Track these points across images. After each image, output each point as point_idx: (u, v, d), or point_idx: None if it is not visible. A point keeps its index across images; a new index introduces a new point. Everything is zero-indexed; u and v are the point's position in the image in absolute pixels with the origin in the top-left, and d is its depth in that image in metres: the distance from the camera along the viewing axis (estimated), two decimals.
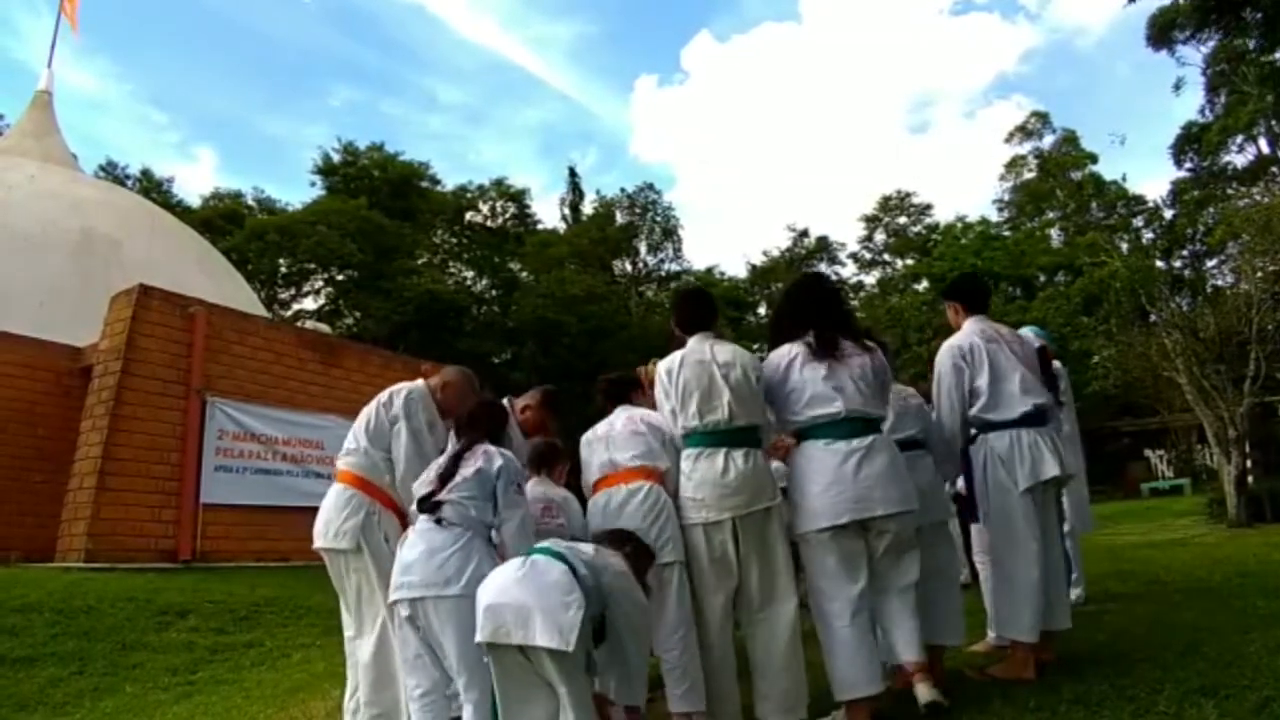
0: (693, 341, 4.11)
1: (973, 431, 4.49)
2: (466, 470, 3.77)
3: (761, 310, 52.40)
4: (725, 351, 4.02)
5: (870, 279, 52.08)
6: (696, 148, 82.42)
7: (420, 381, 4.68)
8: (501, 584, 3.21)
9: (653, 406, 4.41)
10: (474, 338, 37.19)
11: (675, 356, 4.09)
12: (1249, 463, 12.51)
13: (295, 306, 39.08)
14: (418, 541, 3.67)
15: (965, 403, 4.40)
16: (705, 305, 4.35)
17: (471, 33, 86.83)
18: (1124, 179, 42.59)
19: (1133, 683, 3.76)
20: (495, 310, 41.46)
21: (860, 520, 3.76)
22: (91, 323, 11.80)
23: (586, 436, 4.35)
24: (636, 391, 4.55)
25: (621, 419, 4.26)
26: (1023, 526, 4.18)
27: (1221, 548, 9.96)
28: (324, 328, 14.06)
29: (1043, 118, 49.08)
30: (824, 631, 3.80)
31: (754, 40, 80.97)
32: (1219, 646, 4.31)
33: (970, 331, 4.49)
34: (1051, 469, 4.21)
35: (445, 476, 3.77)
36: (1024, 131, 49.34)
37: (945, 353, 4.51)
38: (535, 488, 4.40)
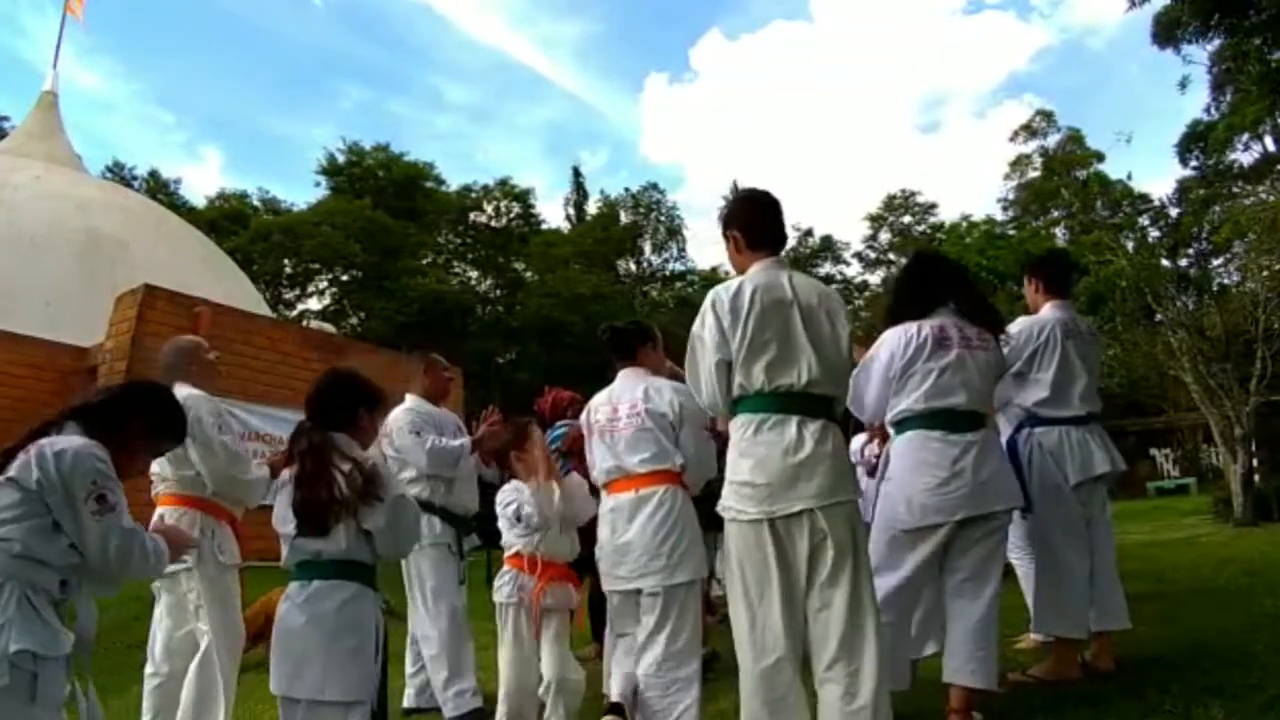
0: (760, 268, 3.14)
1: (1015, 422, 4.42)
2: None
3: None
4: (809, 289, 3.10)
5: (874, 278, 52.03)
6: (705, 147, 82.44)
7: None
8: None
9: (665, 365, 4.16)
10: (478, 338, 37.14)
11: (737, 284, 3.08)
12: (1255, 461, 12.46)
13: (300, 307, 39.11)
14: None
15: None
16: (778, 215, 3.34)
17: (478, 32, 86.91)
18: (1129, 177, 42.34)
19: (1140, 682, 3.75)
20: (499, 310, 41.40)
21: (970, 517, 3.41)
22: (97, 323, 11.84)
23: (588, 416, 3.93)
24: (645, 346, 4.03)
25: (625, 404, 3.75)
26: (1072, 522, 4.14)
27: (1228, 546, 9.94)
28: (329, 328, 14.09)
29: (1048, 116, 48.84)
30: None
31: (764, 39, 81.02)
32: (1226, 646, 4.30)
33: (1052, 318, 4.37)
34: (1102, 464, 4.19)
35: None
36: (1029, 130, 49.17)
37: (1023, 325, 4.39)
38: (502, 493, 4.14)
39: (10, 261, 13.47)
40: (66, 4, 19.47)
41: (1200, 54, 30.62)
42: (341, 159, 41.07)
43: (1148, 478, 26.47)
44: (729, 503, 3.01)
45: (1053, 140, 47.94)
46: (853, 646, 2.84)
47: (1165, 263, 18.33)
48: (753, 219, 3.27)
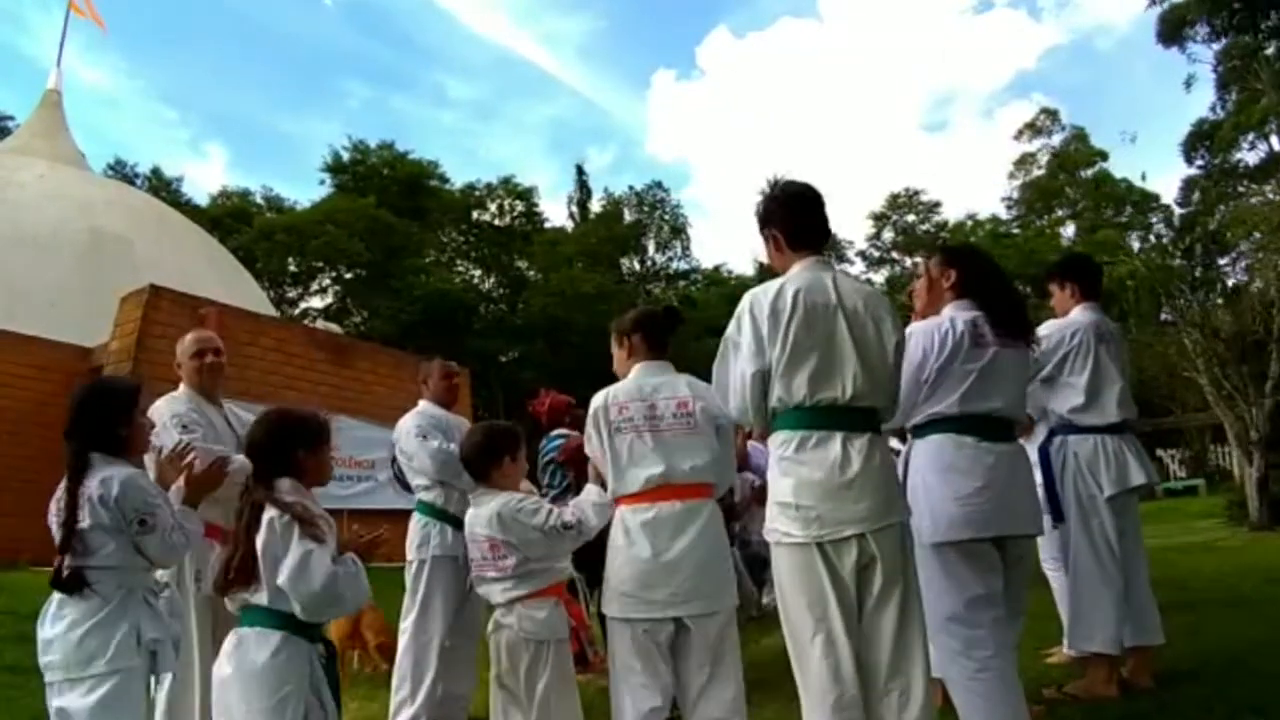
0: (802, 268, 2.92)
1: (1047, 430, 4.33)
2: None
3: None
4: (854, 291, 2.89)
5: (879, 277, 51.99)
6: (712, 145, 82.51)
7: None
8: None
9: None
10: (482, 336, 37.09)
11: (778, 285, 2.87)
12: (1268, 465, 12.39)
13: (303, 305, 39.10)
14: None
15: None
16: (821, 210, 3.12)
17: (483, 28, 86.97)
18: (1143, 178, 42.49)
19: (1178, 699, 3.68)
20: (503, 308, 41.37)
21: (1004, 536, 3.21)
22: (102, 322, 11.76)
23: (607, 412, 3.35)
24: (674, 336, 3.65)
25: (668, 401, 3.29)
26: (1107, 536, 4.04)
27: (1247, 551, 9.91)
28: (335, 328, 14.01)
29: (1052, 115, 49.03)
30: (963, 673, 3.05)
31: (771, 37, 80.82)
32: (1259, 660, 4.23)
33: (1083, 321, 4.27)
34: (1138, 476, 4.11)
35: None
36: (1033, 129, 49.31)
37: (1053, 327, 4.28)
38: (481, 507, 3.50)
39: (15, 261, 13.39)
40: (71, 3, 19.37)
41: (1206, 53, 30.64)
42: (346, 157, 41.01)
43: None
44: (774, 525, 2.82)
45: (1057, 139, 48.10)
46: (900, 669, 2.70)
47: (1176, 262, 18.25)
48: (794, 216, 3.05)
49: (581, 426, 6.11)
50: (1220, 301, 14.73)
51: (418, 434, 4.92)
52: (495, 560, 3.40)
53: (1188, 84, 34.69)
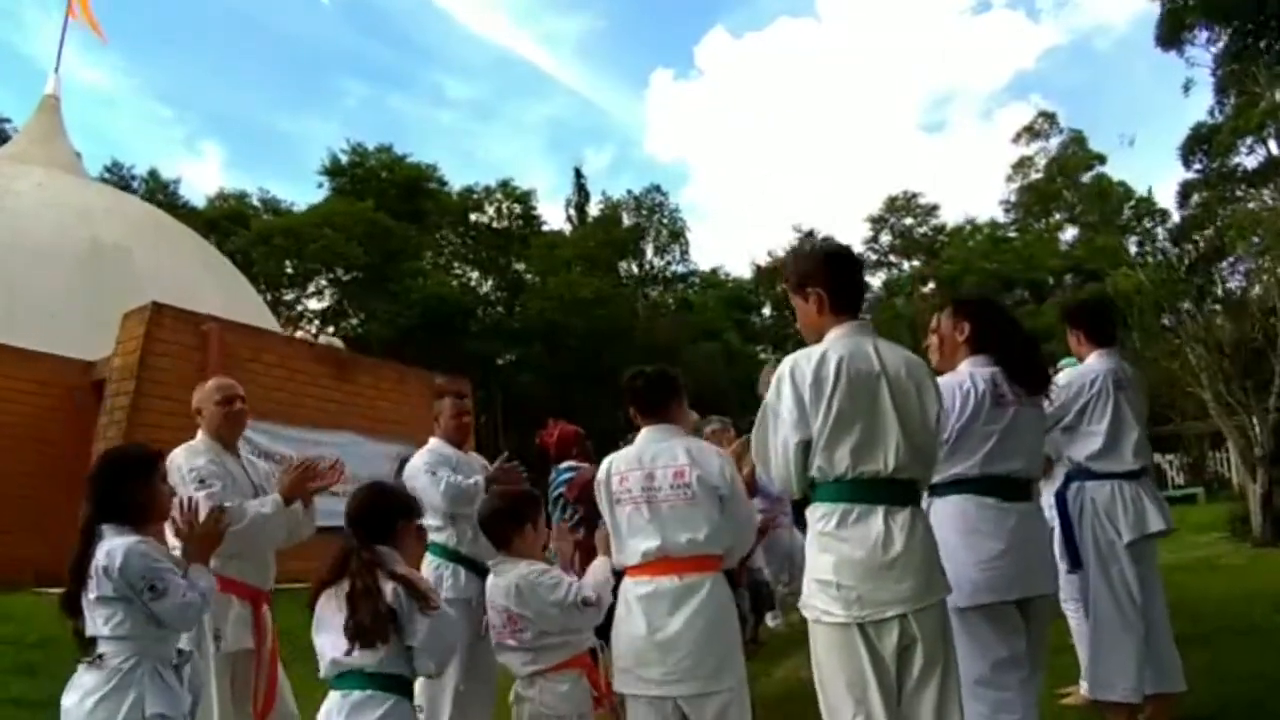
0: (843, 333, 2.82)
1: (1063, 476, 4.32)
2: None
3: (766, 311, 52.50)
4: (898, 359, 2.80)
5: (876, 280, 52.07)
6: (710, 145, 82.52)
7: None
8: None
9: (691, 421, 3.92)
10: (480, 340, 37.06)
11: (820, 352, 2.77)
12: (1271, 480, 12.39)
13: (300, 307, 39.08)
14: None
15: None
16: (861, 272, 3.14)
17: (481, 28, 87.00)
18: (1150, 192, 42.55)
19: None
20: (501, 311, 41.36)
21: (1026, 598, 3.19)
22: (102, 334, 11.68)
23: (609, 482, 3.33)
24: (675, 400, 3.54)
25: (665, 470, 3.20)
26: (1127, 583, 4.00)
27: (1252, 571, 9.89)
28: (337, 342, 13.97)
29: (1050, 118, 49.04)
30: None
31: (769, 36, 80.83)
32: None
33: (1101, 369, 4.25)
34: (1156, 523, 4.08)
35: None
36: (1031, 132, 49.34)
37: (1071, 376, 4.28)
38: (501, 576, 3.45)
39: (14, 271, 13.30)
40: (70, 9, 19.30)
41: (1204, 56, 30.72)
42: (344, 160, 41.03)
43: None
44: (813, 602, 2.73)
45: (1055, 142, 48.12)
46: None
47: (1180, 273, 18.29)
48: (840, 279, 2.94)
49: (590, 458, 6.10)
50: (1219, 308, 14.72)
51: (426, 470, 4.94)
52: (514, 632, 3.37)
53: (1186, 88, 34.80)
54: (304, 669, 6.10)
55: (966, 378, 3.31)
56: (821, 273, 2.94)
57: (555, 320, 35.98)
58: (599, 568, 3.46)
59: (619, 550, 3.28)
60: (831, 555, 2.68)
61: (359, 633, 2.83)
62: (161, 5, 74.54)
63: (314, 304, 39.85)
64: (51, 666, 6.79)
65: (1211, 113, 35.99)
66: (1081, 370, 4.33)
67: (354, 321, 38.40)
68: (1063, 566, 4.14)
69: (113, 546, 2.92)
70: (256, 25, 78.27)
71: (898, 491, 2.72)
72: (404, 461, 13.25)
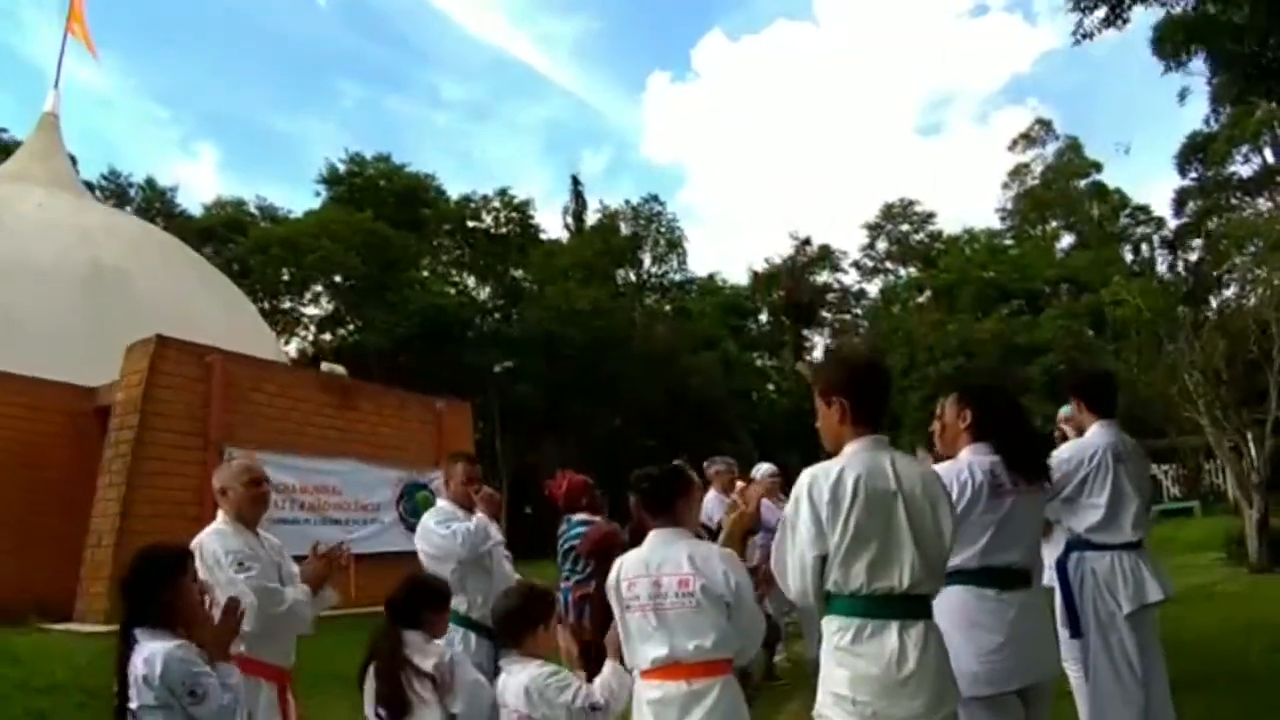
0: (861, 447, 2.87)
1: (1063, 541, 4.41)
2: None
3: (763, 317, 52.60)
4: (913, 476, 2.84)
5: (872, 288, 52.25)
6: (707, 148, 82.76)
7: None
8: None
9: (700, 514, 3.93)
10: (477, 349, 37.06)
11: (838, 469, 2.81)
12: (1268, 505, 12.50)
13: (296, 313, 39.13)
14: None
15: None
16: (888, 388, 3.13)
17: (477, 29, 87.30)
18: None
19: None
20: (498, 320, 41.39)
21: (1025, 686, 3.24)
22: (104, 358, 11.72)
23: (619, 588, 3.31)
24: (683, 499, 3.45)
25: (671, 578, 3.20)
26: (1127, 653, 4.08)
27: (1250, 601, 10.00)
28: (339, 369, 13.96)
29: (1047, 125, 49.28)
30: None
31: (767, 39, 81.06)
32: None
33: (1100, 443, 4.33)
34: (1155, 593, 4.16)
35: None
36: (1028, 139, 49.54)
37: (1071, 451, 4.36)
38: (512, 677, 3.51)
39: (16, 295, 13.31)
40: (68, 25, 19.34)
41: (1200, 65, 30.73)
42: (343, 169, 41.01)
43: (1150, 500, 26.36)
44: (828, 714, 2.76)
45: (1051, 149, 48.29)
46: None
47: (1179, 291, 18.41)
48: (865, 391, 2.97)
49: (599, 508, 6.15)
50: (1214, 319, 14.79)
51: (439, 525, 5.02)
52: None
53: (1181, 96, 34.97)
54: (323, 697, 6.18)
55: (965, 468, 3.35)
56: (847, 384, 2.97)
57: (553, 330, 35.98)
58: (609, 672, 3.49)
59: (630, 654, 3.26)
60: (847, 670, 2.70)
61: (388, 706, 3.40)
62: (156, 5, 74.47)
63: (311, 311, 39.93)
64: (61, 714, 6.85)
65: (1207, 121, 36.07)
66: (1082, 444, 4.40)
67: (351, 328, 38.43)
68: (1064, 633, 4.24)
69: (151, 653, 2.93)
70: (253, 26, 78.46)
71: (912, 606, 2.76)
72: (406, 487, 13.33)
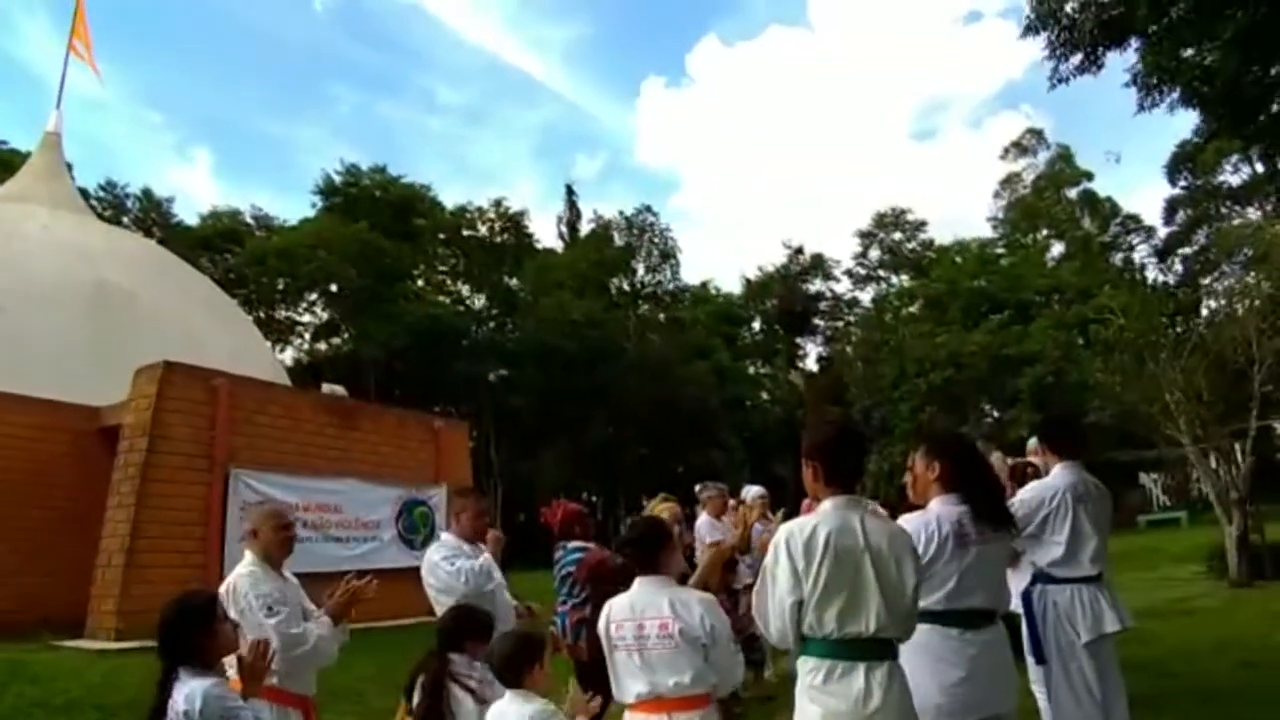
0: (835, 505, 3.19)
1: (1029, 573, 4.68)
2: None
3: (756, 325, 52.91)
4: (880, 533, 3.15)
5: (865, 296, 52.58)
6: (701, 153, 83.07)
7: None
8: None
9: (682, 561, 4.13)
10: (472, 358, 37.36)
11: (811, 524, 3.14)
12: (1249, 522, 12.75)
13: (292, 321, 39.40)
14: None
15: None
16: (861, 455, 3.49)
17: (471, 34, 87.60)
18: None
19: None
20: (493, 329, 41.68)
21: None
22: (109, 378, 11.98)
23: (608, 629, 3.59)
24: (665, 551, 3.74)
25: (653, 622, 3.48)
26: (1086, 681, 4.38)
27: (1225, 617, 10.25)
28: (340, 390, 14.20)
29: (1038, 134, 49.66)
30: None
31: (762, 45, 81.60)
32: None
33: (1062, 484, 4.61)
34: (1112, 624, 4.43)
35: None
36: (1019, 148, 49.91)
37: (1034, 492, 4.64)
38: (514, 707, 3.75)
39: (21, 316, 13.52)
40: (70, 45, 19.55)
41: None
42: (338, 180, 41.28)
43: (1138, 509, 26.72)
44: None
45: (1043, 157, 48.66)
46: None
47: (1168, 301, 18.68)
48: (836, 454, 3.28)
49: (592, 534, 6.40)
50: (1201, 328, 15.01)
51: (445, 560, 5.19)
52: None
53: (1171, 107, 35.29)
54: (329, 716, 6.41)
55: (934, 519, 3.64)
56: (820, 449, 3.29)
57: (547, 340, 36.28)
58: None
59: (616, 689, 3.56)
60: (819, 707, 3.02)
61: (424, 714, 3.88)
62: (150, 8, 74.50)
63: (306, 318, 40.28)
64: None
65: (1197, 130, 36.40)
66: (1044, 485, 4.70)
67: (346, 337, 38.68)
68: (1030, 660, 4.58)
69: (191, 690, 3.14)
70: (247, 30, 78.76)
71: (878, 649, 3.05)
72: (405, 504, 13.53)
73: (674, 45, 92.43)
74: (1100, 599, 4.48)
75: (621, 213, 47.56)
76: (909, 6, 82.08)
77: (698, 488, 8.31)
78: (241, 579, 4.11)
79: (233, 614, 3.79)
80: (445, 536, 5.44)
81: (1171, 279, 40.90)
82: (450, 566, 5.13)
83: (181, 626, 3.33)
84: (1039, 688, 4.88)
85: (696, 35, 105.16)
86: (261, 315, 35.18)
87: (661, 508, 6.44)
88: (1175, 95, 8.30)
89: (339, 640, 4.35)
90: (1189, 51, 7.90)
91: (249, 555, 4.28)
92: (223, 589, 3.96)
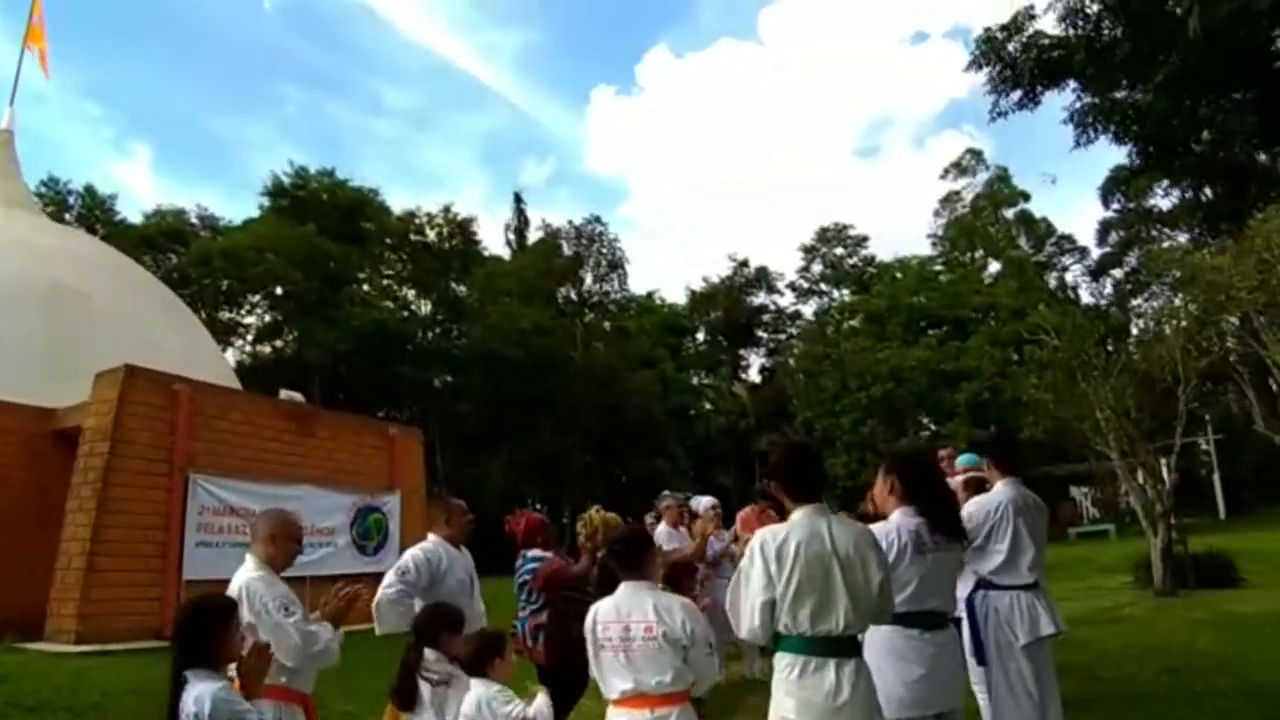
0: (804, 515, 3.50)
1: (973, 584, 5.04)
2: None
3: (700, 336, 53.39)
4: (846, 538, 3.46)
5: (808, 309, 53.31)
6: (650, 162, 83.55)
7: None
8: None
9: (661, 567, 4.42)
10: (417, 364, 37.30)
11: (784, 532, 3.46)
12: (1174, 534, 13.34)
13: (235, 323, 39.09)
14: None
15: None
16: (819, 467, 3.81)
17: (420, 36, 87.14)
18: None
19: None
20: (439, 335, 41.66)
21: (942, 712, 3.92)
22: (64, 379, 12.01)
23: (595, 630, 3.84)
24: (648, 556, 4.05)
25: (638, 624, 3.75)
26: (1023, 679, 4.74)
27: (1151, 625, 10.78)
28: (298, 396, 14.27)
29: (977, 154, 50.71)
30: None
31: (711, 57, 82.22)
32: None
33: (1004, 496, 5.01)
34: (1048, 627, 4.81)
35: None
36: (959, 168, 50.95)
37: (979, 505, 5.02)
38: (471, 692, 4.31)
39: None
40: (25, 42, 19.37)
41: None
42: (287, 181, 40.95)
43: (1069, 522, 27.47)
44: None
45: (982, 178, 49.74)
46: None
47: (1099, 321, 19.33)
48: (797, 471, 3.65)
49: (552, 544, 6.68)
50: (1132, 350, 15.56)
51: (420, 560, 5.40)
52: None
53: (1106, 142, 36.27)
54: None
55: (895, 529, 4.01)
56: (779, 469, 3.68)
57: (494, 348, 36.35)
58: (543, 702, 4.27)
59: (602, 685, 3.86)
60: (794, 699, 3.35)
61: (399, 699, 4.36)
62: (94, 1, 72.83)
63: (251, 320, 39.95)
64: None
65: (1130, 156, 37.43)
66: (988, 498, 5.10)
67: (289, 340, 38.41)
68: (972, 661, 4.94)
69: (199, 693, 3.26)
70: (194, 27, 77.33)
71: (846, 646, 3.40)
72: (359, 511, 13.64)
73: (624, 54, 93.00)
74: (1037, 604, 4.87)
75: (571, 222, 47.94)
76: (857, 25, 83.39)
77: (656, 499, 8.60)
78: (254, 581, 4.22)
79: (248, 617, 3.96)
80: (431, 537, 5.57)
81: (1103, 302, 41.99)
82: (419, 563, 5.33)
83: (198, 627, 3.45)
84: (980, 688, 5.28)
85: (647, 45, 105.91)
86: (204, 316, 34.79)
87: (604, 517, 6.59)
88: (1109, 134, 8.79)
89: (339, 641, 4.58)
90: (1122, 94, 8.37)
91: (252, 560, 4.39)
92: (232, 592, 4.08)
